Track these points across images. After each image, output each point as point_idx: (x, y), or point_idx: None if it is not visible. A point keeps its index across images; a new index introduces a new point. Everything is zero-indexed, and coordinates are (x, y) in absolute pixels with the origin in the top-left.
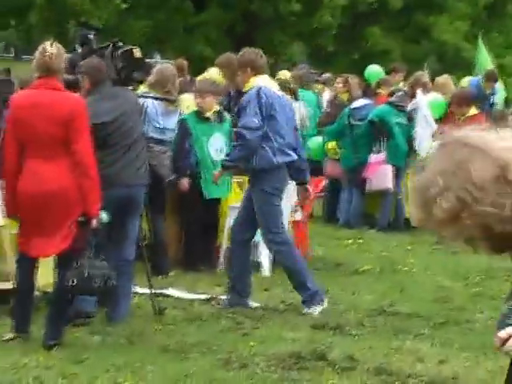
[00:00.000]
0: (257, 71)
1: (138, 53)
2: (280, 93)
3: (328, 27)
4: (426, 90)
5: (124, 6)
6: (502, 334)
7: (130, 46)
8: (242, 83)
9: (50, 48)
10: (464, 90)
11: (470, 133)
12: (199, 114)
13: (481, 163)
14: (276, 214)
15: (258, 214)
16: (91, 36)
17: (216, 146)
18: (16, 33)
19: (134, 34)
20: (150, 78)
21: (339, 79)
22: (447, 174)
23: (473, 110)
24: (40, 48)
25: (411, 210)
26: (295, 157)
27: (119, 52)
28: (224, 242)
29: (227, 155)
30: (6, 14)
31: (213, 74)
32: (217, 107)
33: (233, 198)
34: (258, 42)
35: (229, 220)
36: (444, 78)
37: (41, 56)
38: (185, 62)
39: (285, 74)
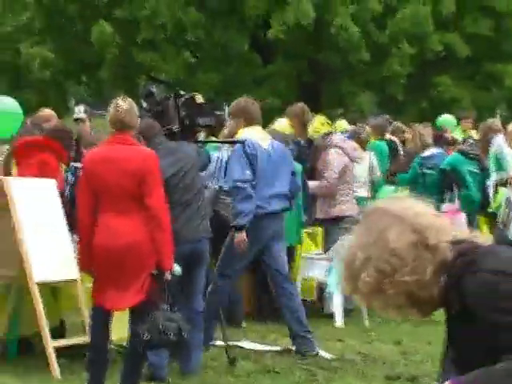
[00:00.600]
0: (249, 122)
1: (199, 99)
2: (266, 145)
3: (397, 76)
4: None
5: (192, 59)
6: None
7: (192, 94)
8: (233, 133)
9: (123, 103)
10: None
11: (391, 201)
12: None
13: (398, 231)
14: (236, 257)
15: (224, 248)
16: (153, 89)
17: None
18: (87, 89)
19: (203, 87)
20: (225, 131)
21: (409, 128)
22: (368, 246)
23: None
24: (113, 103)
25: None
26: (271, 208)
27: (181, 100)
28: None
29: (235, 215)
30: (77, 71)
31: (282, 124)
32: None
33: (304, 248)
34: (326, 91)
35: (302, 271)
36: None
37: (114, 111)
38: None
39: (341, 125)
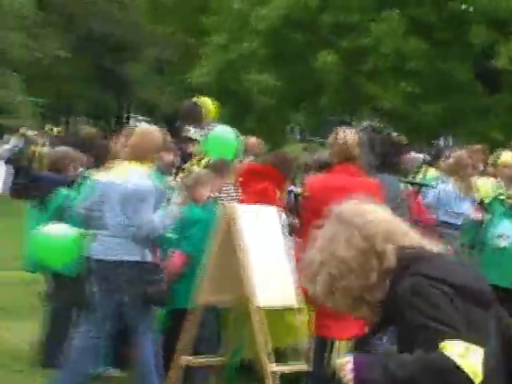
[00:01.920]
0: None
1: (396, 137)
2: None
3: None
4: None
5: (414, 89)
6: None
7: (388, 131)
8: None
9: (350, 135)
10: None
11: (346, 207)
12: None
13: (346, 238)
14: None
15: None
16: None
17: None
18: (305, 115)
19: (424, 116)
20: (447, 162)
21: None
22: (322, 250)
23: None
24: (339, 134)
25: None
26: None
27: (378, 137)
28: None
29: None
30: (298, 99)
31: (509, 156)
32: None
33: None
34: None
35: None
36: None
37: (339, 143)
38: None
39: None
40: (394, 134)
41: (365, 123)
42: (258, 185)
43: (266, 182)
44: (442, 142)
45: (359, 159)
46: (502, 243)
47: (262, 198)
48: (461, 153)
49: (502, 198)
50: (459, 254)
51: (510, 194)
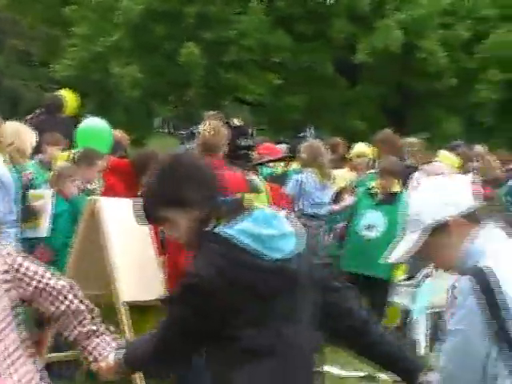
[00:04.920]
0: None
1: (236, 122)
2: None
3: (485, 102)
4: None
5: (278, 81)
6: None
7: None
8: None
9: (211, 128)
10: None
11: None
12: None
13: None
14: None
15: None
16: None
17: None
18: (173, 109)
19: (289, 108)
20: (301, 156)
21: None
22: None
23: None
24: (202, 127)
25: None
26: None
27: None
28: None
29: None
30: (165, 92)
31: (362, 148)
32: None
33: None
34: (412, 116)
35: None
36: None
37: (201, 136)
38: (340, 141)
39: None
40: (234, 120)
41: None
42: (109, 180)
43: (115, 178)
44: (308, 134)
45: (221, 152)
46: (371, 234)
47: (110, 194)
48: (315, 143)
49: (369, 188)
50: (323, 243)
51: (377, 185)
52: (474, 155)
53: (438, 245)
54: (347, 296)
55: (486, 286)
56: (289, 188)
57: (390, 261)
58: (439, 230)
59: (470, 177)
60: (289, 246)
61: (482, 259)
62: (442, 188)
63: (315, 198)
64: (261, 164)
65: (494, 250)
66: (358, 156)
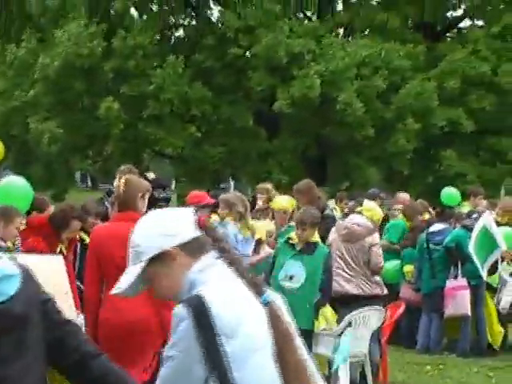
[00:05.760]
0: None
1: (152, 175)
2: None
3: (402, 151)
4: None
5: (198, 133)
6: None
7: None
8: None
9: (128, 182)
10: None
11: None
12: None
13: None
14: None
15: None
16: None
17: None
18: (93, 163)
19: (209, 160)
20: (220, 210)
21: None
22: None
23: None
24: (119, 181)
25: None
26: None
27: None
28: None
29: None
30: (84, 146)
31: (282, 202)
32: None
33: None
34: (332, 166)
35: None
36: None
37: (119, 190)
38: (265, 188)
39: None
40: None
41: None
42: (27, 237)
43: (32, 238)
44: (231, 185)
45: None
46: (291, 285)
47: (29, 250)
48: (232, 195)
49: (289, 239)
50: None
51: (296, 235)
52: (398, 202)
53: (158, 275)
54: (75, 331)
55: (200, 311)
56: None
57: (115, 292)
58: (159, 260)
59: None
60: (11, 288)
61: (200, 287)
62: (161, 219)
63: (237, 252)
64: None
65: (211, 279)
66: (279, 209)
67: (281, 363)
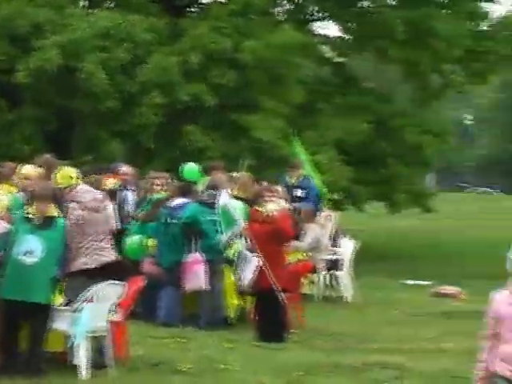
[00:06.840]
0: None
1: None
2: None
3: (147, 125)
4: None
5: None
6: None
7: None
8: None
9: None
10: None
11: None
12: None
13: None
14: None
15: None
16: None
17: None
18: None
19: None
20: None
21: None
22: None
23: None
24: None
25: None
26: None
27: None
28: None
29: None
30: None
31: (28, 170)
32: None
33: None
34: (75, 138)
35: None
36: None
37: None
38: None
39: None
40: None
41: None
42: None
43: None
44: None
45: None
46: (29, 260)
47: None
48: None
49: (26, 213)
50: None
51: (33, 210)
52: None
53: None
54: None
55: None
56: None
57: None
58: None
59: None
60: None
61: None
62: None
63: None
64: None
65: None
66: (26, 178)
67: None
